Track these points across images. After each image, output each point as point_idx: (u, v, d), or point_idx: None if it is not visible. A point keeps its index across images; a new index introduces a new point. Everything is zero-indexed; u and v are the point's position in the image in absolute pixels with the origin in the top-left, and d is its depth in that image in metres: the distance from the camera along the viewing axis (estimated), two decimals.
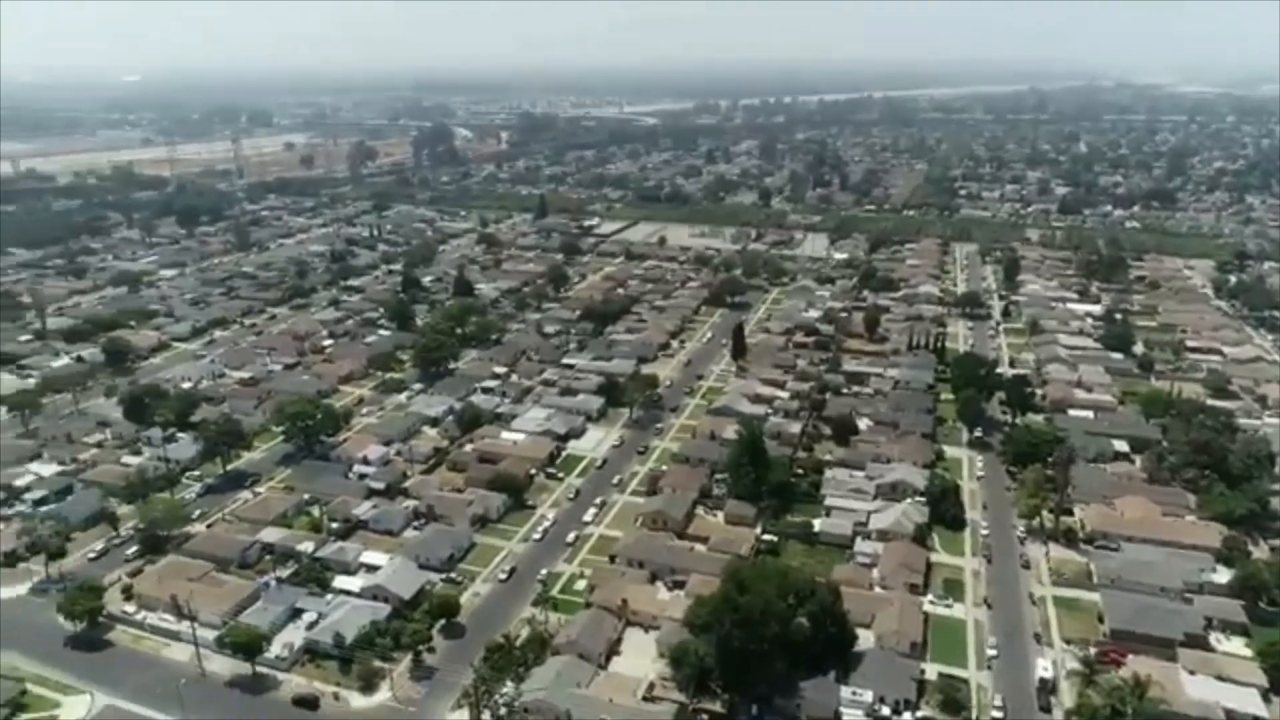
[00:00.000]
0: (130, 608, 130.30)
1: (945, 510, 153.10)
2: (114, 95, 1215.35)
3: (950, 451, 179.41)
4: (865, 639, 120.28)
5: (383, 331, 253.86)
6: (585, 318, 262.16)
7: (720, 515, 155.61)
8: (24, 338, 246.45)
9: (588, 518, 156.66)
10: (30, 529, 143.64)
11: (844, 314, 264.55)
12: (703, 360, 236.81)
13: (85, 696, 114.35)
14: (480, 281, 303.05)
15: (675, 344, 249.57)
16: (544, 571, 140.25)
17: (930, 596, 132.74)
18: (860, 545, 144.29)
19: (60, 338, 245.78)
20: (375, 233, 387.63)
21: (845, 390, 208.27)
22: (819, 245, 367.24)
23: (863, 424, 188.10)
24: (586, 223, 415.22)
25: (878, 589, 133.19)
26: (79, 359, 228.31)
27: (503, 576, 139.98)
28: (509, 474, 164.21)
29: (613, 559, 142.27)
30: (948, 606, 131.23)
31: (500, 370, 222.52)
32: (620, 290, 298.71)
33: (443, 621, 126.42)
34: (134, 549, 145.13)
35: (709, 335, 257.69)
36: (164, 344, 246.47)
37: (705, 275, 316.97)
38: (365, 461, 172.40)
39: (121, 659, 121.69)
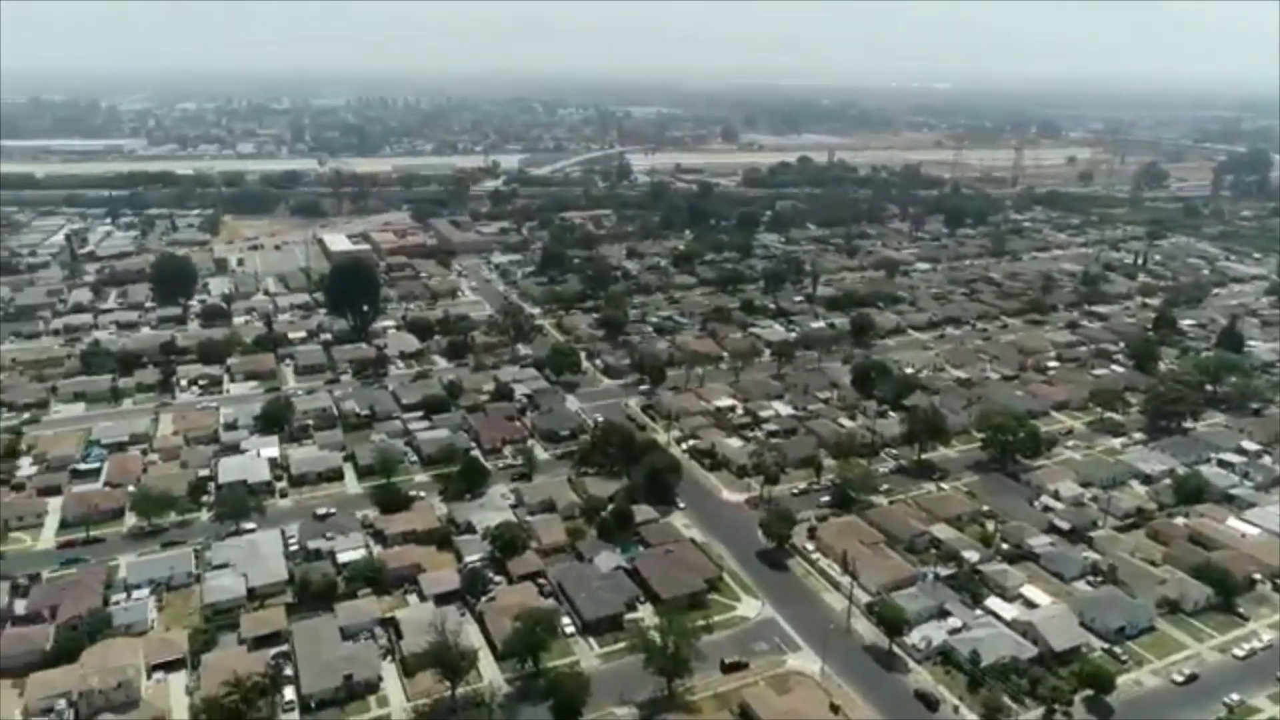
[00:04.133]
0: (810, 546, 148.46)
1: None
2: (922, 100, 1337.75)
3: None
4: None
5: (1116, 367, 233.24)
6: None
7: None
8: (797, 299, 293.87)
9: None
10: (759, 453, 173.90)
11: None
12: None
13: (757, 603, 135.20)
14: (1257, 338, 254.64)
15: None
16: (1235, 697, 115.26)
17: None
18: None
19: (823, 304, 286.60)
20: (1140, 261, 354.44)
21: None
22: None
23: None
24: None
25: None
26: (831, 325, 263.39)
27: (1178, 678, 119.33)
28: (1223, 568, 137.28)
29: None
30: None
31: (1250, 446, 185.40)
32: None
33: (1090, 692, 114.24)
34: (826, 498, 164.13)
35: None
36: (901, 329, 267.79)
37: None
38: (1056, 495, 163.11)
39: (790, 585, 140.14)
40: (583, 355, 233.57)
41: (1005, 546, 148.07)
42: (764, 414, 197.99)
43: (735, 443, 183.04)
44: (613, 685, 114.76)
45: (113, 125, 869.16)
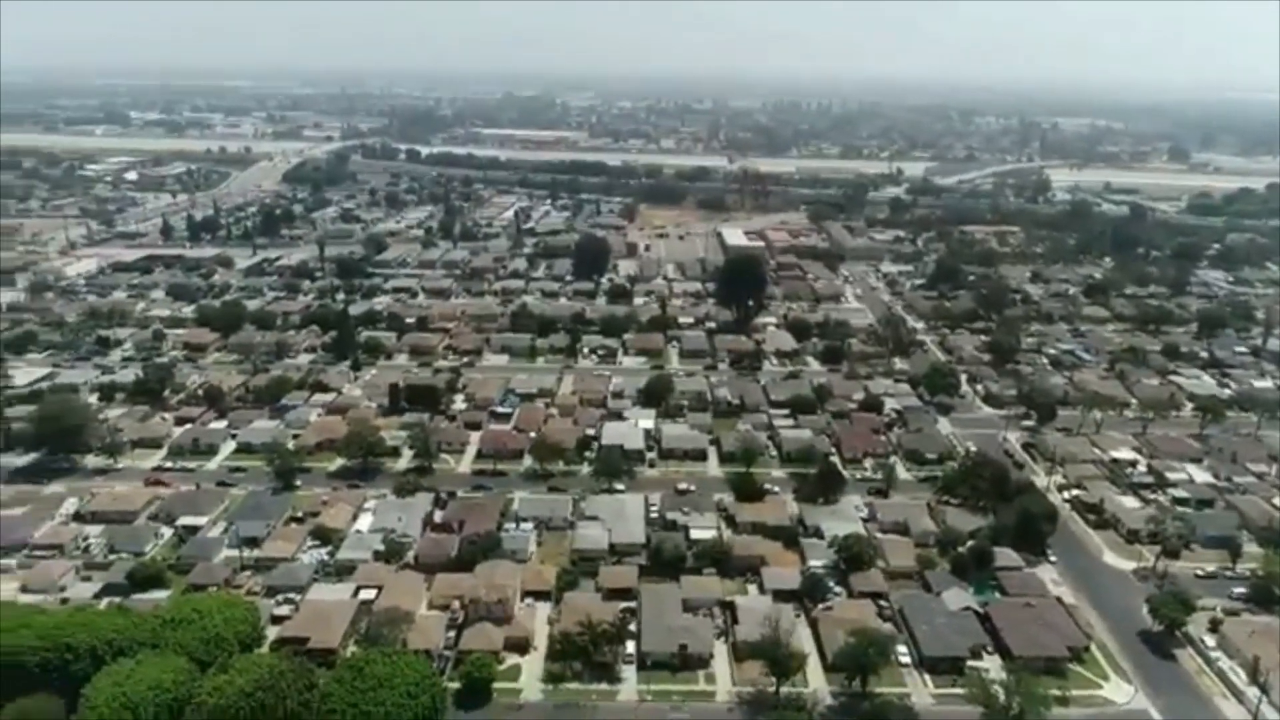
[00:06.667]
0: (1209, 640, 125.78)
1: None
2: None
3: None
4: None
5: None
6: None
7: None
8: (1240, 349, 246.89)
9: None
10: (1161, 519, 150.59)
11: None
12: None
13: (1129, 688, 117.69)
14: None
15: None
16: None
17: None
18: None
19: (1275, 360, 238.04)
20: None
21: None
22: None
23: None
24: None
25: None
26: None
27: None
28: None
29: None
30: None
31: None
32: None
33: None
34: (1242, 590, 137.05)
35: None
36: None
37: None
38: None
39: (1175, 679, 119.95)
40: (963, 378, 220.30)
41: None
42: (1173, 476, 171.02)
43: (1131, 502, 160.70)
44: None
45: (562, 119, 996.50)
